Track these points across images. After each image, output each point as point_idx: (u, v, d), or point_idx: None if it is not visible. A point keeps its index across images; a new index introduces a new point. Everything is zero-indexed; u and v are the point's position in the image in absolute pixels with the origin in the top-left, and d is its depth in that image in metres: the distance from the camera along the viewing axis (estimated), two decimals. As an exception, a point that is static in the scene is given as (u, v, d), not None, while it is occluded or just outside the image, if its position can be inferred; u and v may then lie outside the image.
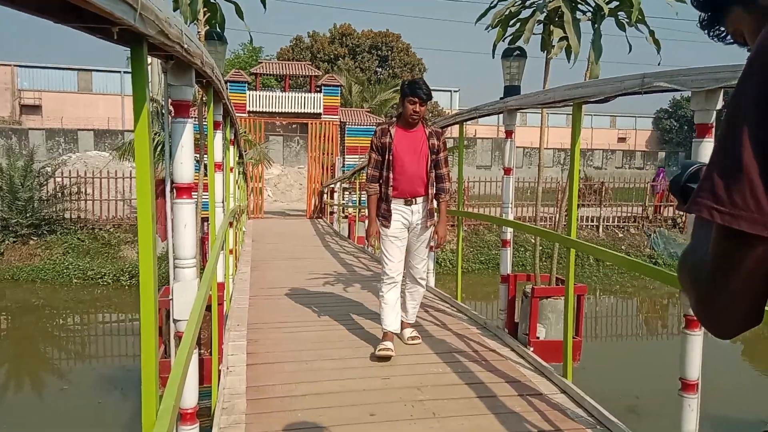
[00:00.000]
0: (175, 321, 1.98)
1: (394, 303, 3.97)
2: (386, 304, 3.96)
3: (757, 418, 7.08)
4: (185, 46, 1.54)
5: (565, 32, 4.14)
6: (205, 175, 3.61)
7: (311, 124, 16.81)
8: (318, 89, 16.86)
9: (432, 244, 4.07)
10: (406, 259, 4.01)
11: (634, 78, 2.74)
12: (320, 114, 16.59)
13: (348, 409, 3.11)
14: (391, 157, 3.84)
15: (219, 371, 3.42)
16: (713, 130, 2.46)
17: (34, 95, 36.76)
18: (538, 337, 4.08)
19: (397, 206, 3.92)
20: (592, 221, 19.04)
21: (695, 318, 2.50)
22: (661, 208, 19.46)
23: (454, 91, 45.43)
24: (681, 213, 19.27)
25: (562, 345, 3.74)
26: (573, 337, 4.23)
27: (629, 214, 19.31)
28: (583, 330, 4.26)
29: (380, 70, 37.72)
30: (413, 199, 3.92)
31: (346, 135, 16.82)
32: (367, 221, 4.07)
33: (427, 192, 3.95)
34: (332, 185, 14.85)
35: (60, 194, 14.98)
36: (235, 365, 3.67)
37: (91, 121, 33.25)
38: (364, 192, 4.17)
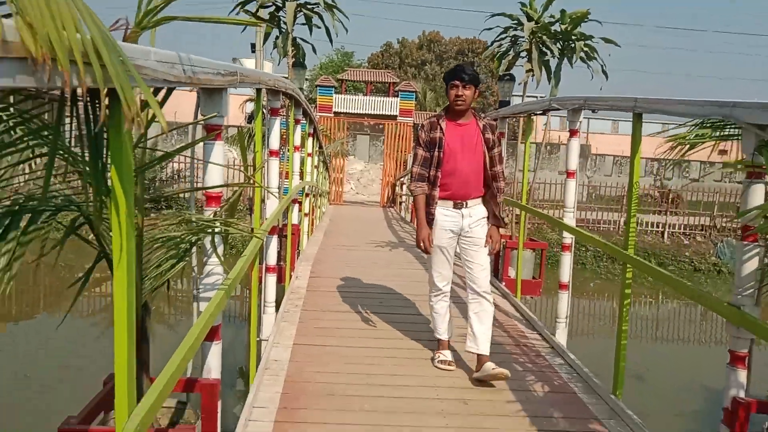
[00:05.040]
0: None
1: (444, 312, 3.68)
2: (437, 314, 3.69)
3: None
4: (275, 85, 3.49)
5: (531, 66, 5.82)
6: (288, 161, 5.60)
7: (388, 124, 18.87)
8: (395, 94, 18.89)
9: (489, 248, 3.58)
10: (464, 271, 3.59)
11: (545, 101, 4.45)
12: (396, 116, 18.62)
13: (370, 305, 5.00)
14: (441, 154, 3.40)
15: (291, 277, 5.41)
16: (578, 132, 4.14)
17: (151, 91, 41.12)
18: (509, 276, 5.80)
19: (444, 210, 3.47)
20: (657, 227, 19.29)
21: (565, 284, 4.18)
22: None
23: (541, 97, 46.09)
24: None
25: (525, 281, 5.45)
26: (534, 278, 5.95)
27: (697, 223, 19.27)
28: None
29: (465, 75, 39.09)
30: (464, 203, 3.46)
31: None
32: (416, 225, 3.59)
33: (483, 193, 3.52)
34: (402, 178, 16.79)
35: (176, 176, 17.89)
36: (302, 275, 5.69)
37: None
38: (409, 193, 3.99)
